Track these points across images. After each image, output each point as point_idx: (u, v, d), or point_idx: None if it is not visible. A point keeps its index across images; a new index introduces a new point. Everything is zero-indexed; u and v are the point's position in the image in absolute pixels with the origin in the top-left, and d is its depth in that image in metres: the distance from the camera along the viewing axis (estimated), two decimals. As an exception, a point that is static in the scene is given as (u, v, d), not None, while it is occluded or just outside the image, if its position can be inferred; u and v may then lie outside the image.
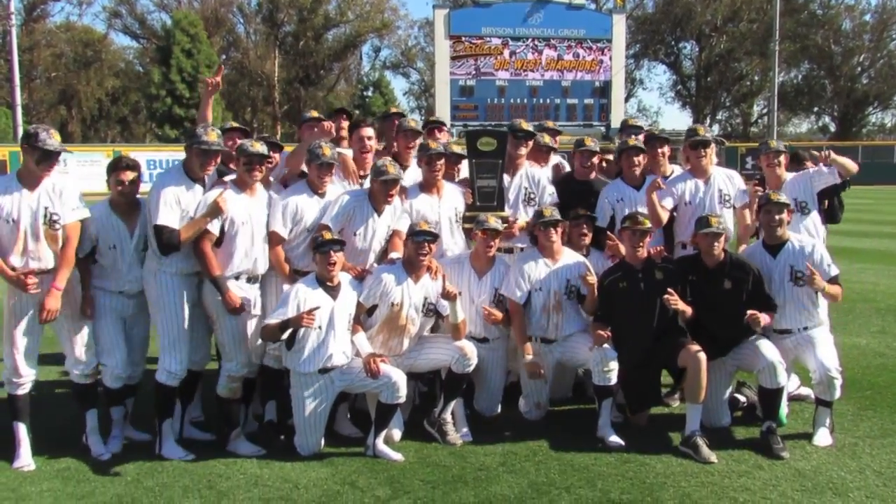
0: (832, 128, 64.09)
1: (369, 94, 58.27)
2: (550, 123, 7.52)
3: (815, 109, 65.39)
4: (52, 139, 5.11)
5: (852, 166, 6.41)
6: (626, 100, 52.21)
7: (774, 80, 49.26)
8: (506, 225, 6.26)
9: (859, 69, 61.76)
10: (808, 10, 59.95)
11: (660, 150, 6.69)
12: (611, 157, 7.06)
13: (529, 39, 38.39)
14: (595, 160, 6.70)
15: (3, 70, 48.08)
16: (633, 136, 6.63)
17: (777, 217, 5.83)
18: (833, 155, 6.44)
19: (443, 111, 35.35)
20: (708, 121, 61.99)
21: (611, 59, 38.66)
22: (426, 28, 58.24)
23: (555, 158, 7.17)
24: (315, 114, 6.65)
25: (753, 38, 57.85)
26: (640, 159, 6.45)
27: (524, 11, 37.98)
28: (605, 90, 38.41)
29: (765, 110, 62.38)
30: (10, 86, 40.52)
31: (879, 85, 60.61)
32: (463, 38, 37.70)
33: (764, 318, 5.58)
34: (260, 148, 5.54)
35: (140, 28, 58.73)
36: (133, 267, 5.51)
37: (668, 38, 62.80)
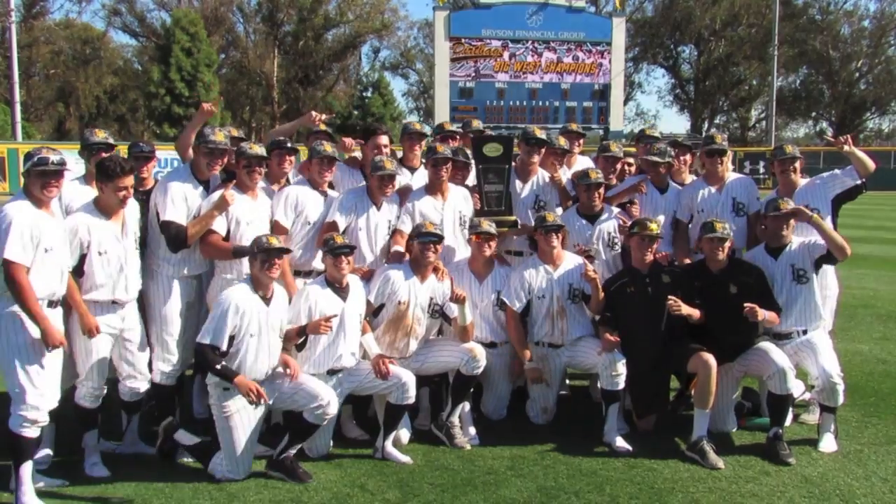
0: (829, 133, 64.16)
1: (368, 94, 58.22)
2: (574, 126, 7.53)
3: (813, 114, 65.50)
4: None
5: (870, 163, 6.16)
6: (625, 103, 52.20)
7: (773, 85, 49.34)
8: (505, 229, 6.33)
9: (857, 75, 61.84)
10: (807, 16, 60.00)
11: (681, 158, 6.77)
12: (631, 160, 7.10)
13: (529, 42, 38.31)
14: (619, 165, 6.76)
15: (1, 67, 47.97)
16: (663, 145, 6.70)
17: (785, 224, 5.89)
18: (851, 144, 6.11)
19: (442, 113, 35.30)
20: (706, 125, 62.05)
21: (610, 62, 38.62)
22: (426, 29, 58.20)
23: (583, 161, 7.21)
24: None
25: (752, 42, 57.92)
26: (663, 169, 6.59)
27: (524, 14, 37.93)
28: (604, 93, 38.35)
29: (763, 115, 62.51)
30: (8, 83, 40.43)
31: (877, 90, 60.68)
32: (463, 40, 37.63)
33: (763, 313, 5.59)
34: (259, 150, 5.63)
35: (139, 26, 58.57)
36: (125, 270, 5.12)
37: (668, 41, 62.80)
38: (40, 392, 4.65)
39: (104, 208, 5.06)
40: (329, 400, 5.20)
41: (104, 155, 5.37)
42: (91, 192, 5.33)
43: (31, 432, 4.68)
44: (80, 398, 5.21)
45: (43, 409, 4.68)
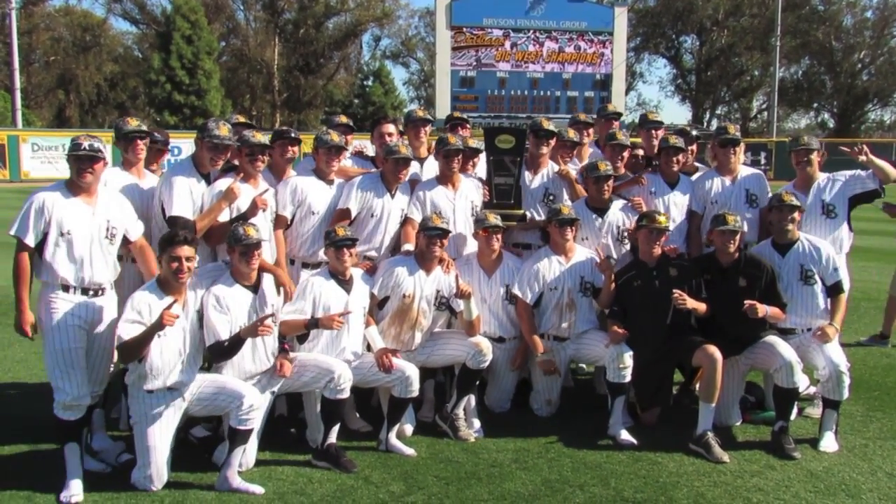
0: (831, 124, 64.08)
1: (369, 83, 58.13)
2: (583, 116, 7.44)
3: (815, 105, 65.27)
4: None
5: (891, 171, 6.17)
6: (626, 93, 52.00)
7: (775, 76, 49.22)
8: (514, 223, 6.31)
9: (859, 66, 61.61)
10: (810, 6, 59.71)
11: (688, 148, 6.71)
12: (641, 151, 7.04)
13: (531, 31, 38.07)
14: (625, 154, 6.72)
15: (1, 53, 47.83)
16: (674, 136, 6.63)
17: (789, 217, 5.85)
18: (869, 154, 6.15)
19: (443, 102, 35.14)
20: (707, 115, 61.95)
21: (612, 52, 38.45)
22: (427, 18, 58.07)
23: (590, 152, 7.16)
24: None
25: (754, 32, 57.74)
26: (680, 158, 6.51)
27: (526, 3, 37.70)
28: (605, 83, 38.12)
29: (764, 106, 62.38)
30: (8, 69, 40.37)
31: (879, 82, 60.46)
32: (464, 29, 37.43)
33: (764, 309, 5.56)
34: (262, 138, 5.61)
35: (139, 13, 58.40)
36: (184, 355, 4.85)
37: (669, 31, 62.61)
38: (72, 377, 4.75)
39: (162, 282, 4.85)
40: (339, 371, 5.17)
41: (140, 143, 5.57)
42: (131, 178, 5.57)
43: (69, 415, 4.77)
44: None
45: (77, 394, 4.76)
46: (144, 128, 5.67)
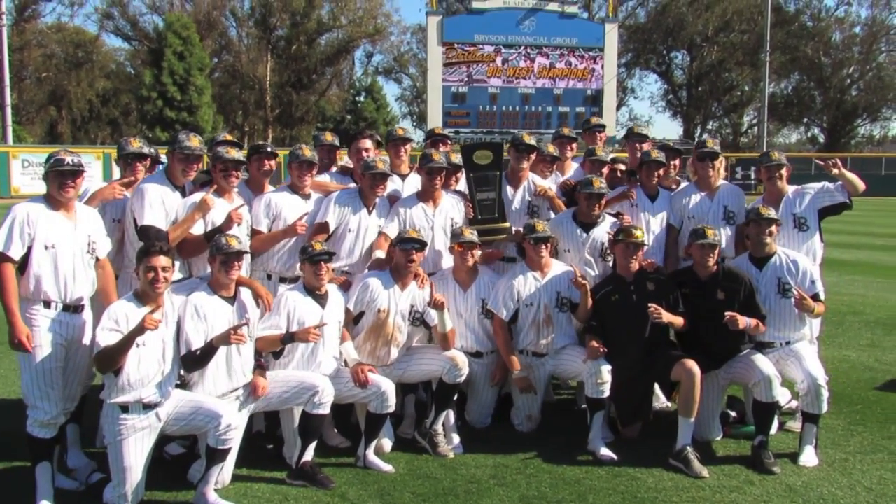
0: (821, 139, 64.46)
1: (361, 99, 58.31)
2: (567, 130, 7.38)
3: (805, 120, 65.71)
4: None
5: (860, 184, 6.23)
6: (618, 108, 52.34)
7: (765, 91, 49.51)
8: (502, 237, 6.31)
9: (848, 81, 62.14)
10: (799, 22, 60.29)
11: (670, 163, 6.69)
12: (622, 166, 7.03)
13: (522, 47, 38.38)
14: (605, 170, 6.71)
15: (-8, 70, 47.80)
16: (655, 150, 6.60)
17: (767, 230, 5.85)
18: (841, 167, 6.21)
19: (435, 118, 35.36)
20: (699, 130, 62.22)
21: (603, 67, 38.69)
22: (419, 34, 58.28)
23: (572, 166, 7.17)
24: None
25: (744, 48, 58.21)
26: (661, 172, 6.51)
27: (517, 19, 37.97)
28: (596, 99, 38.43)
29: (755, 120, 62.71)
30: (-1, 86, 40.32)
31: (868, 97, 60.98)
32: (455, 45, 37.71)
33: (744, 321, 5.55)
34: (236, 154, 5.60)
35: (132, 30, 58.57)
36: (163, 366, 4.75)
37: (660, 47, 63.07)
38: (51, 396, 4.72)
39: (140, 295, 4.76)
40: (321, 386, 5.15)
41: (139, 165, 5.70)
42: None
43: (42, 433, 4.74)
44: None
45: (51, 412, 4.72)
46: (146, 151, 5.80)
